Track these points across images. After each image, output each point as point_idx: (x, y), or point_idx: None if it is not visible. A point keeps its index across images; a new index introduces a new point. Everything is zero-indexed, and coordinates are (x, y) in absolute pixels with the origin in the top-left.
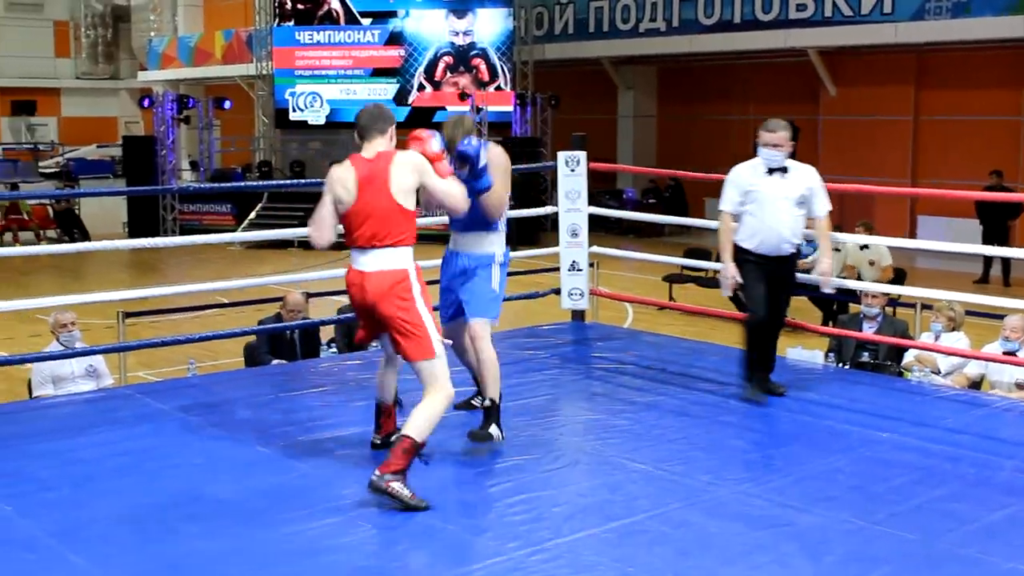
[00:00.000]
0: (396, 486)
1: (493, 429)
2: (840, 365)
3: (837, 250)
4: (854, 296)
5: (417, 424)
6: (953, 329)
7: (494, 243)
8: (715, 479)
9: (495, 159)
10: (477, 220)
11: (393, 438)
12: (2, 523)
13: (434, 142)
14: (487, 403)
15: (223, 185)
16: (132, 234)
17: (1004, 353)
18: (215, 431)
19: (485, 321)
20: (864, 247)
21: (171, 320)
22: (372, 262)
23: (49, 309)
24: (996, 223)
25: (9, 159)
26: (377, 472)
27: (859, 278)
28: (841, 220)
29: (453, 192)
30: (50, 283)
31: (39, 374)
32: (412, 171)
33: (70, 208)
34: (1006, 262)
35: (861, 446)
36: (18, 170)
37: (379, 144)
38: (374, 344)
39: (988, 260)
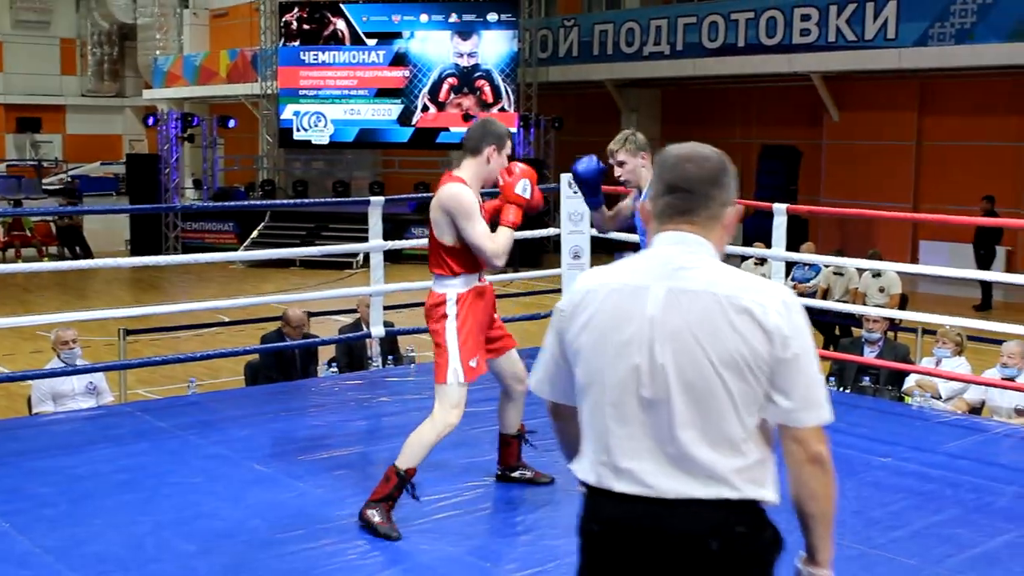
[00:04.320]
0: (370, 512)
1: None
2: (841, 389)
3: (840, 274)
4: (856, 320)
5: (404, 451)
6: (958, 354)
7: None
8: None
9: None
10: None
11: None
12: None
13: (520, 184)
14: None
15: (226, 204)
16: (134, 252)
17: (1003, 379)
18: (214, 449)
19: None
20: (876, 275)
21: (172, 338)
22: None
23: (51, 326)
24: (987, 247)
25: (13, 175)
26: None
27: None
28: (843, 244)
29: (482, 244)
30: (52, 300)
31: (39, 391)
32: (437, 207)
33: (73, 225)
34: (986, 285)
35: (861, 470)
36: (22, 186)
37: (465, 165)
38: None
39: (986, 285)
